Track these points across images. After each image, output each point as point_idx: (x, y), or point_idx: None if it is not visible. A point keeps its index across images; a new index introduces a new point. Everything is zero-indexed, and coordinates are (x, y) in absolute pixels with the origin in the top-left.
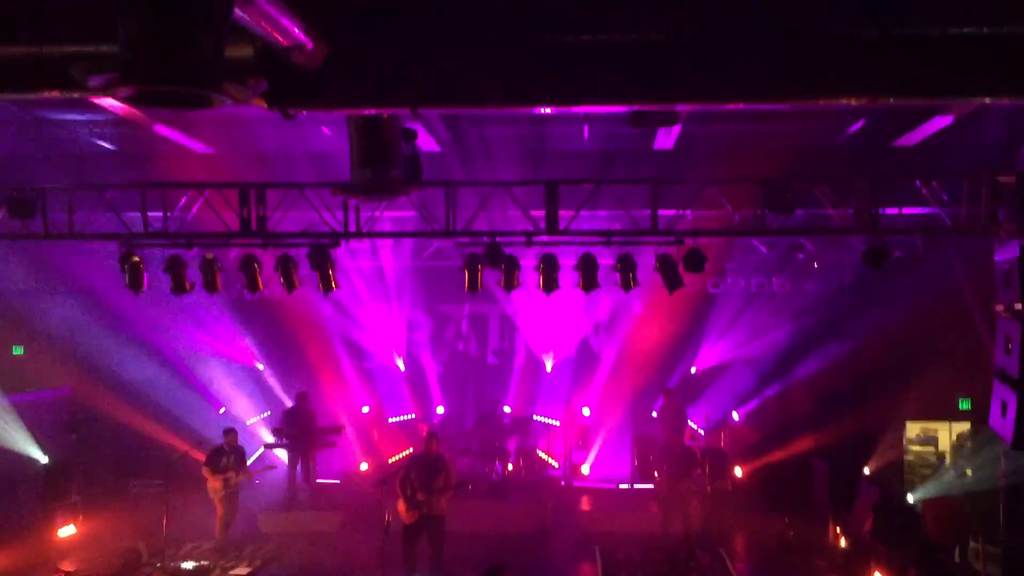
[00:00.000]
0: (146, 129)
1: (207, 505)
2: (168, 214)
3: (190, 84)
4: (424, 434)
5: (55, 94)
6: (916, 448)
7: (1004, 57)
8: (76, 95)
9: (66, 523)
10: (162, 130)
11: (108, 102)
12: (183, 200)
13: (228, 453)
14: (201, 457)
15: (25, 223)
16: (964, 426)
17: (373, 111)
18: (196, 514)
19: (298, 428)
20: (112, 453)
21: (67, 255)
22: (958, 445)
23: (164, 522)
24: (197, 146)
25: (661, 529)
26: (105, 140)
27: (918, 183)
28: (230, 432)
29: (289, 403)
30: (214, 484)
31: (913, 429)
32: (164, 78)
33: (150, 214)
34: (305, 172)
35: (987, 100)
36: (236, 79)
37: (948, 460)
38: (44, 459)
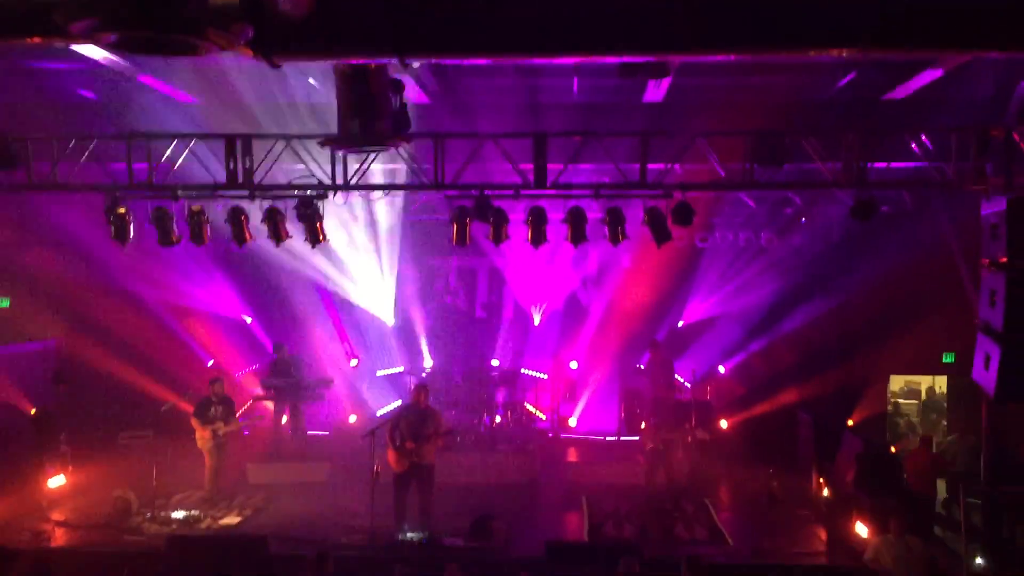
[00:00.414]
0: (130, 79)
1: (196, 456)
2: (154, 165)
3: (174, 31)
4: (413, 386)
5: (37, 41)
6: (899, 401)
7: (994, 9)
8: (58, 42)
9: (56, 473)
10: (147, 80)
11: (91, 50)
12: (169, 151)
13: (216, 403)
14: (189, 409)
15: (8, 174)
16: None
17: (360, 61)
18: (185, 465)
19: (282, 378)
20: (100, 404)
21: (52, 206)
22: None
23: (153, 472)
24: (182, 96)
25: (646, 480)
26: (89, 90)
27: (907, 137)
28: (216, 381)
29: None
30: (203, 435)
31: (897, 382)
32: (148, 24)
33: (136, 165)
34: (293, 123)
35: (978, 53)
36: (221, 26)
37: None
38: (32, 410)
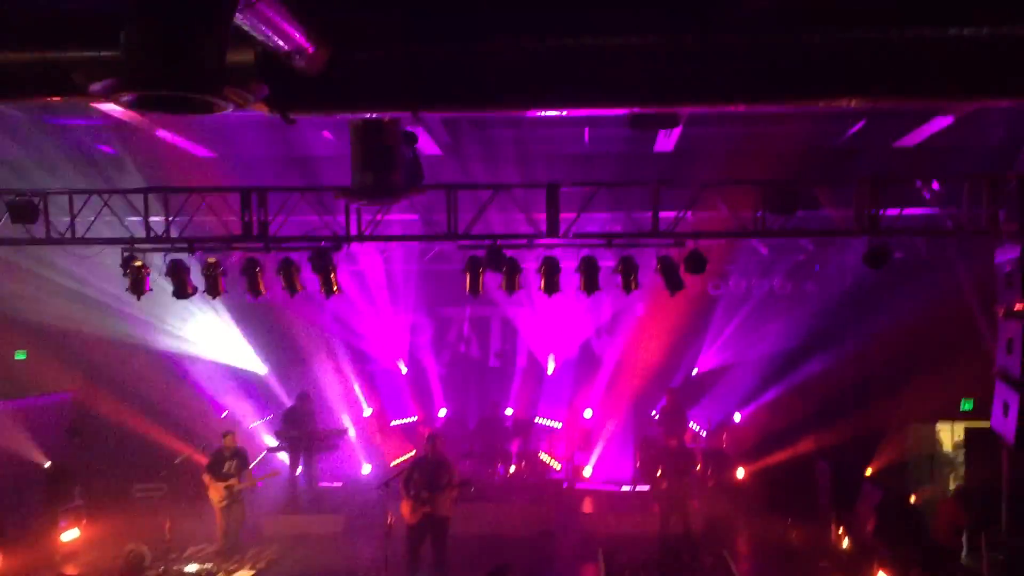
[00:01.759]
0: (148, 134)
1: (209, 509)
2: (170, 218)
3: (192, 89)
4: (426, 436)
5: (57, 100)
6: (919, 449)
7: (1004, 58)
8: (78, 101)
9: (69, 527)
10: (164, 135)
11: (110, 107)
12: (184, 204)
13: (229, 458)
14: (203, 460)
15: (28, 228)
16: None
17: (374, 115)
18: (199, 517)
19: (297, 428)
20: (115, 457)
21: (70, 258)
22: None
23: (167, 526)
24: (199, 150)
25: (660, 528)
26: (107, 145)
27: (919, 184)
28: (228, 434)
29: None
30: (217, 492)
31: (917, 430)
32: (165, 83)
33: (152, 219)
34: (307, 176)
35: (987, 101)
36: (238, 84)
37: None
38: (47, 463)
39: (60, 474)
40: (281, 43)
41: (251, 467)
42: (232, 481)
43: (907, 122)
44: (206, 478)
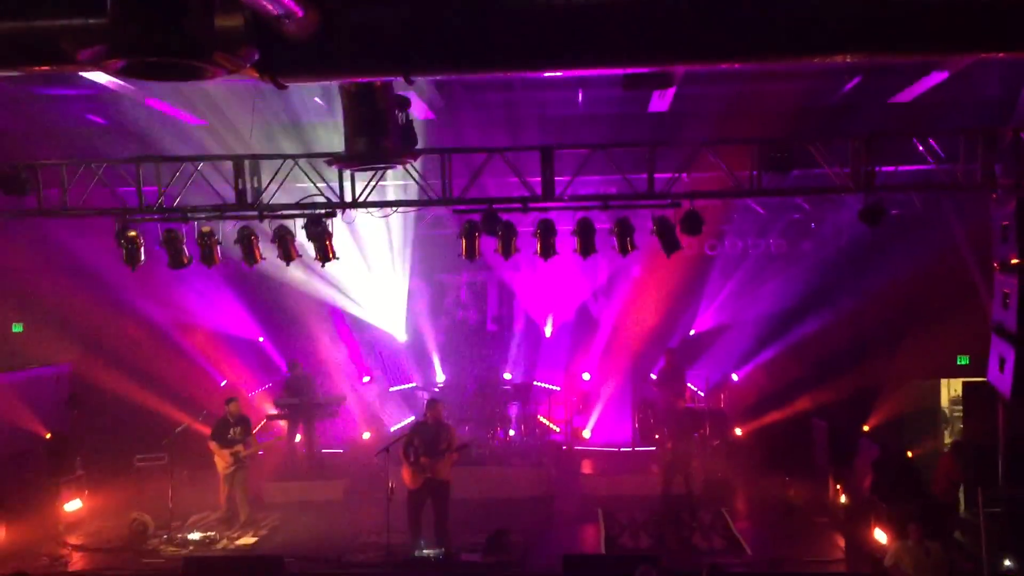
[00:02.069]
0: (138, 103)
1: (211, 477)
2: (163, 188)
3: (180, 55)
4: (426, 402)
5: (46, 69)
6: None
7: (999, 10)
8: (67, 70)
9: (72, 498)
10: (155, 103)
11: (99, 76)
12: (177, 173)
13: (233, 424)
14: (204, 430)
15: (19, 200)
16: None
17: (365, 79)
18: (200, 486)
19: (297, 396)
20: (115, 428)
21: (63, 230)
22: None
23: (169, 494)
24: (190, 118)
25: (662, 490)
26: (97, 115)
27: (914, 140)
28: (232, 401)
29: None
30: (223, 459)
31: (914, 386)
32: (154, 50)
33: (145, 188)
34: (300, 142)
35: (983, 55)
36: (227, 49)
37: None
38: (47, 435)
39: (61, 445)
40: (270, 7)
41: (254, 433)
42: (238, 447)
43: (902, 78)
44: (212, 445)
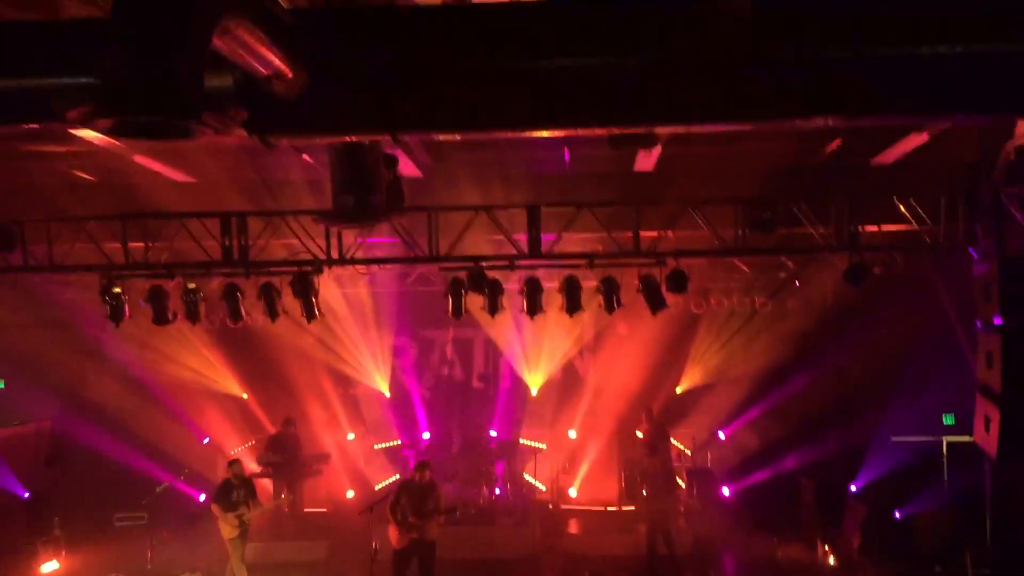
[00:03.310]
0: (127, 160)
1: (191, 538)
2: (149, 244)
3: (170, 115)
4: (413, 463)
5: (34, 126)
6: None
7: (977, 75)
8: (55, 127)
9: (49, 558)
10: (142, 160)
11: (88, 133)
12: (164, 230)
13: (237, 486)
14: (186, 488)
15: (4, 256)
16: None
17: (353, 138)
18: (180, 546)
19: (283, 455)
20: (94, 486)
21: (47, 285)
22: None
23: (148, 555)
24: (178, 176)
25: (646, 550)
26: (85, 171)
27: (896, 201)
28: (235, 463)
29: (273, 430)
30: (227, 523)
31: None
32: (143, 109)
33: (131, 244)
34: (287, 200)
35: (962, 118)
36: (216, 109)
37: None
38: (25, 494)
39: (39, 505)
40: (259, 67)
41: None
42: (242, 509)
43: (883, 140)
44: (214, 509)
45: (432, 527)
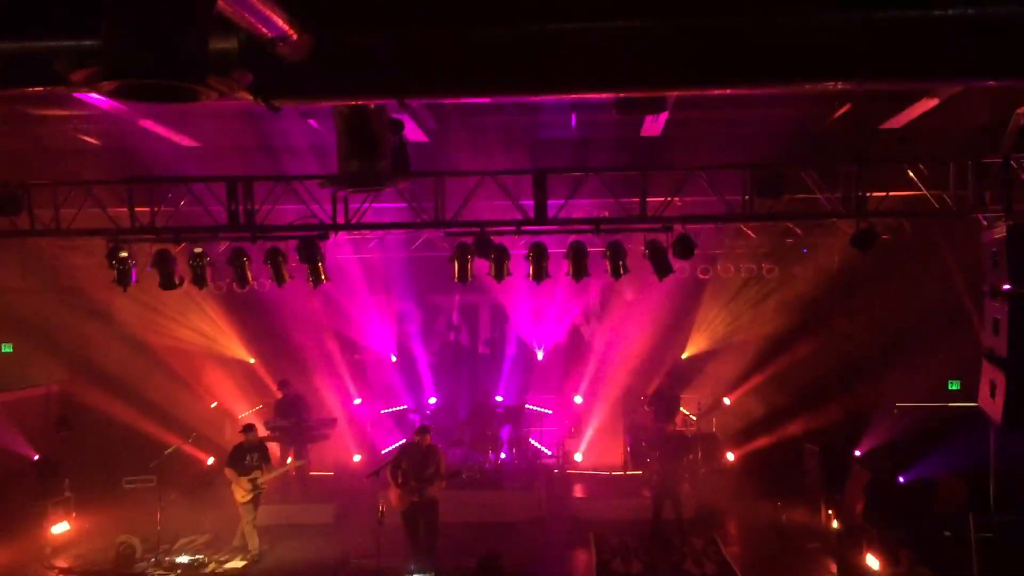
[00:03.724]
0: (132, 124)
1: (199, 500)
2: (155, 209)
3: (174, 78)
4: (416, 426)
5: (39, 90)
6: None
7: (989, 39)
8: (60, 91)
9: (59, 520)
10: (148, 124)
11: (93, 97)
12: (170, 194)
13: (251, 451)
14: (193, 451)
15: (11, 220)
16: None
17: (359, 102)
18: (189, 509)
19: (289, 418)
20: (104, 449)
21: (54, 250)
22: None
23: (158, 517)
24: (184, 140)
25: (653, 515)
26: (90, 135)
27: (905, 166)
28: (249, 429)
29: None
30: (241, 487)
31: (905, 411)
32: (148, 72)
33: (137, 209)
34: (293, 164)
35: (972, 82)
36: (221, 72)
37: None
38: (35, 456)
39: (49, 467)
40: (264, 30)
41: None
42: (256, 473)
43: (893, 104)
44: (228, 472)
45: (432, 489)
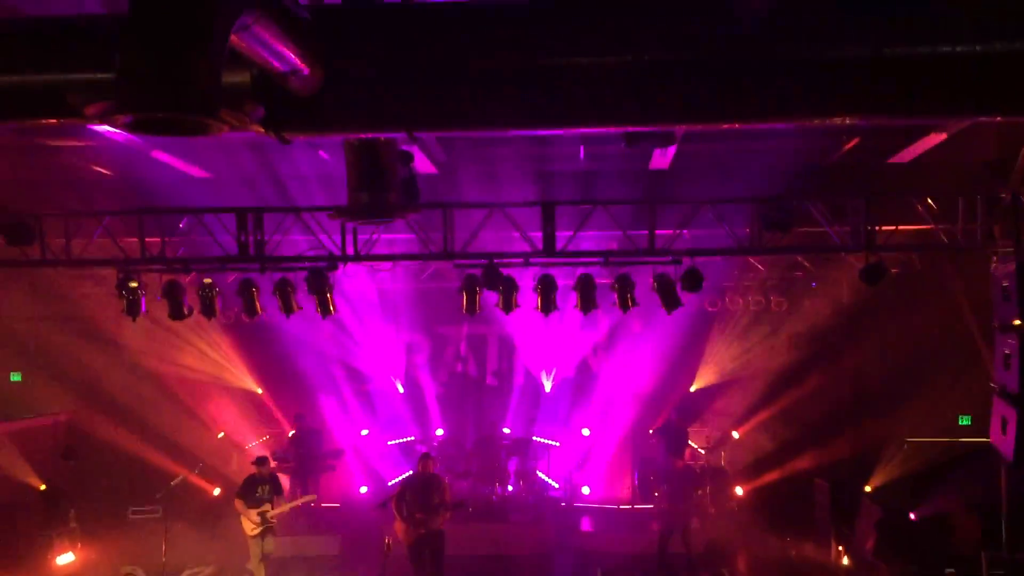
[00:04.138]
0: (144, 155)
1: (205, 530)
2: (166, 239)
3: (187, 112)
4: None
5: (53, 122)
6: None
7: (995, 74)
8: (73, 123)
9: (64, 550)
10: (160, 156)
11: (106, 128)
12: (181, 225)
13: (262, 483)
14: (200, 482)
15: (23, 249)
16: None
17: (369, 135)
18: (195, 540)
19: (303, 451)
20: (110, 479)
21: (64, 280)
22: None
23: (163, 548)
24: (195, 171)
25: (659, 549)
26: (102, 166)
27: (914, 200)
28: (263, 461)
29: (287, 426)
30: (249, 519)
31: (916, 447)
32: (161, 105)
33: (148, 239)
34: (302, 196)
35: (980, 118)
36: (233, 105)
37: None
38: (42, 486)
39: (55, 497)
40: (277, 64)
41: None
42: (266, 506)
43: (901, 139)
44: (238, 504)
45: (438, 521)
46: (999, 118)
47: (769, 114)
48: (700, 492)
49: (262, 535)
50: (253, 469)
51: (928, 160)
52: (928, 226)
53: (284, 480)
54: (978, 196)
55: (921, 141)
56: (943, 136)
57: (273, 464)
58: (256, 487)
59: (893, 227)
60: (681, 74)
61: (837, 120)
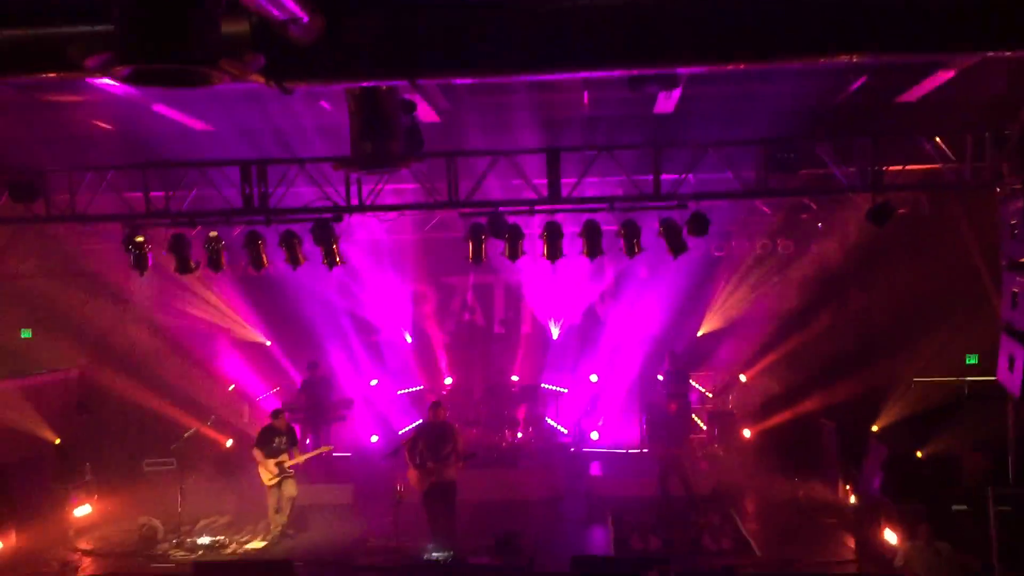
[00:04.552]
0: (145, 108)
1: (219, 481)
2: (170, 193)
3: (187, 62)
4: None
5: (53, 76)
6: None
7: (1005, 9)
8: (74, 76)
9: (81, 503)
10: (161, 109)
11: (105, 82)
12: (185, 179)
13: (279, 434)
14: (212, 434)
15: (27, 206)
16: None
17: (371, 84)
18: (209, 491)
19: (313, 399)
20: (124, 433)
21: (71, 236)
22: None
23: (178, 499)
24: (197, 124)
25: (659, 489)
26: (104, 121)
27: (921, 139)
28: (279, 413)
29: (296, 377)
30: (267, 469)
31: (923, 386)
32: (160, 57)
33: (152, 194)
34: (306, 147)
35: (988, 53)
36: (233, 55)
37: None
38: (56, 440)
39: (70, 451)
40: (275, 12)
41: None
42: (283, 456)
43: (908, 77)
44: (256, 454)
45: (450, 469)
46: (1007, 53)
47: (774, 54)
48: (702, 435)
49: (280, 484)
50: (264, 421)
51: (936, 98)
52: (936, 165)
53: (296, 430)
54: (986, 133)
55: (929, 79)
56: (951, 73)
57: (285, 415)
58: (273, 438)
59: (900, 167)
60: (684, 15)
61: (843, 58)
